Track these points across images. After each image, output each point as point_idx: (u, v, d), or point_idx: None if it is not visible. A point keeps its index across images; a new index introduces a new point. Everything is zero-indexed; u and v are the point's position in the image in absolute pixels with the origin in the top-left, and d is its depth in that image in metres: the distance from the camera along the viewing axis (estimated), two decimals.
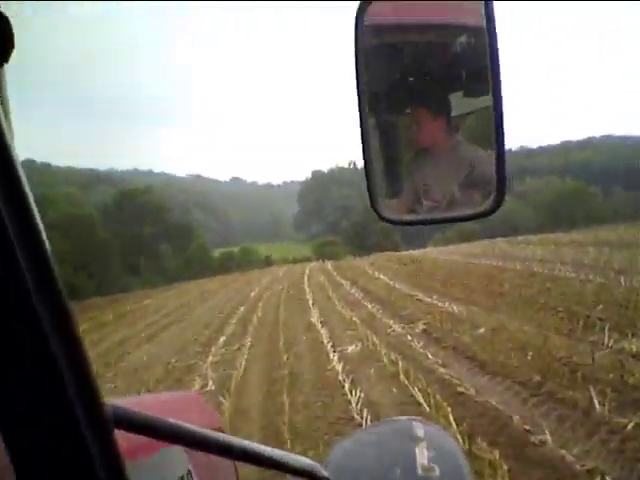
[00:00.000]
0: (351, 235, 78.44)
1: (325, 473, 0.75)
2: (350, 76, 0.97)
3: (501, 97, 0.89)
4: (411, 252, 38.97)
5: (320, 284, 23.72)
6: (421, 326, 11.48)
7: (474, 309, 12.30)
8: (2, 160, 0.42)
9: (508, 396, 6.77)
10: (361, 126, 0.99)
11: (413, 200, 1.06)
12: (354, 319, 13.37)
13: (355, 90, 0.98)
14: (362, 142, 0.99)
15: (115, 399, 0.59)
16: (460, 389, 7.17)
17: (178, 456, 1.14)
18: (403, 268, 25.02)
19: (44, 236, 0.43)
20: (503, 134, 0.90)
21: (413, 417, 1.31)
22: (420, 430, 1.20)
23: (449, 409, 6.27)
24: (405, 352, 9.53)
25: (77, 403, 0.44)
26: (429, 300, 14.53)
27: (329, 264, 38.01)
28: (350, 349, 10.41)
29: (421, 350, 9.55)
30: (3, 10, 0.46)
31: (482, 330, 10.11)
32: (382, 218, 1.04)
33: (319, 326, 13.28)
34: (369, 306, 15.19)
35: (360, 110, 0.98)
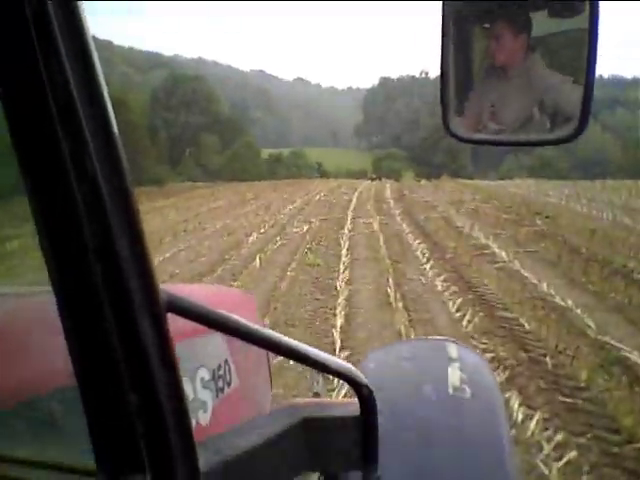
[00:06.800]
0: (415, 151, 71.84)
1: (365, 380, 0.72)
2: None
3: (598, 20, 0.85)
4: (501, 182, 28.82)
5: (371, 239, 11.93)
6: None
7: None
8: (78, 41, 0.42)
9: None
10: (442, 37, 0.92)
11: (478, 120, 1.00)
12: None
13: None
14: (441, 54, 0.93)
15: (169, 285, 0.57)
16: None
17: (218, 344, 1.16)
18: (525, 226, 13.26)
19: (113, 119, 0.45)
20: (595, 60, 0.86)
21: (447, 337, 1.28)
22: (454, 351, 1.25)
23: None
24: None
25: (135, 287, 0.46)
26: None
27: (388, 188, 27.56)
28: None
29: None
30: None
31: None
32: (450, 133, 1.00)
33: None
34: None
35: (443, 19, 0.92)
